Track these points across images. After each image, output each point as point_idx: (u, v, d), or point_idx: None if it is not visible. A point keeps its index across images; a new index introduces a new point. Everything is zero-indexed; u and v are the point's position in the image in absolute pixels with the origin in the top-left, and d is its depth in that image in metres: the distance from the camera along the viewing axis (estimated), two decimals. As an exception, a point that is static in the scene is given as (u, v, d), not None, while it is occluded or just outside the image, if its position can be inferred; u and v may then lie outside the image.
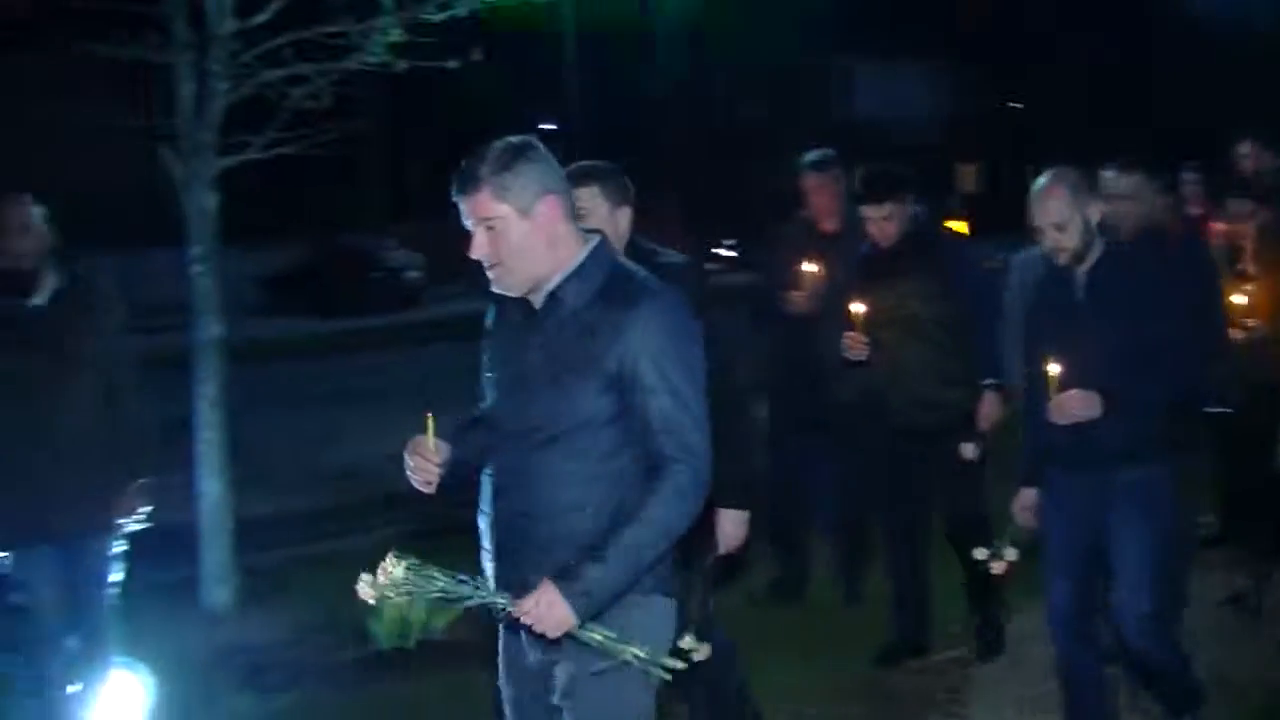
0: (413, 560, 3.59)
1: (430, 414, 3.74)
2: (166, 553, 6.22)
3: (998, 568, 5.35)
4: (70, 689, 5.57)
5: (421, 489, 3.79)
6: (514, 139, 3.68)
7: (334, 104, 7.80)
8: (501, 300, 3.80)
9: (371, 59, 7.51)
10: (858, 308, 6.22)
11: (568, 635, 3.56)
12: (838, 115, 42.02)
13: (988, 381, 6.28)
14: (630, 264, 3.80)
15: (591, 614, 3.57)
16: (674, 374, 3.60)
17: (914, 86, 45.58)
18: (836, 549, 7.62)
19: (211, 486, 7.64)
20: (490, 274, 3.70)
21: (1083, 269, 5.11)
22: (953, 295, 6.30)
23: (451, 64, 7.62)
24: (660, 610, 3.78)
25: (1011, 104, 46.84)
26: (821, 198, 7.30)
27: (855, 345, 6.25)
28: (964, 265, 6.53)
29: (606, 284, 3.68)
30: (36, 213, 5.63)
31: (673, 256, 5.11)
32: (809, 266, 7.09)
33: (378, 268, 29.72)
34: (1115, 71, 43.08)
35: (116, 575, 5.72)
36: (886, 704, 6.23)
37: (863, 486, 7.11)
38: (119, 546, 5.71)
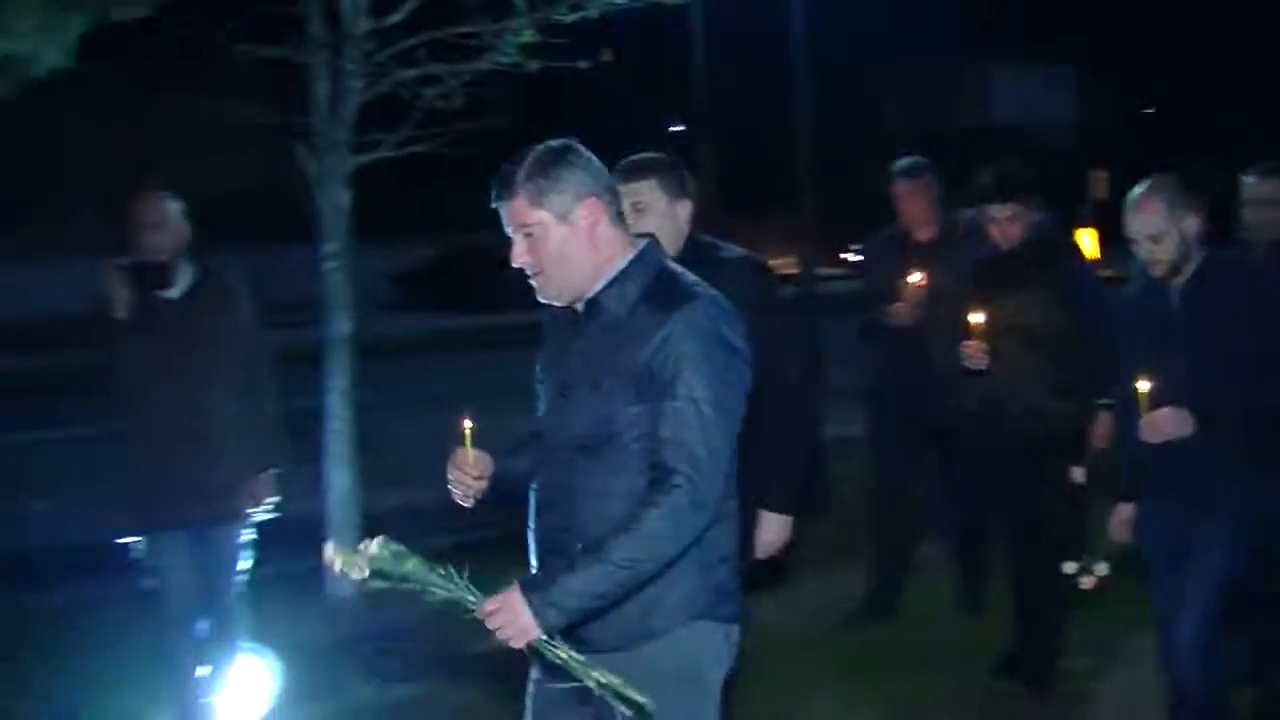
0: (396, 546, 3.50)
1: (467, 423, 3.64)
2: (294, 542, 6.32)
3: (1087, 582, 5.25)
4: (199, 671, 5.70)
5: (460, 503, 3.72)
6: (553, 142, 3.58)
7: (466, 104, 7.87)
8: (552, 308, 3.68)
9: (503, 59, 7.57)
10: (977, 317, 6.11)
11: (533, 650, 3.41)
12: (973, 119, 41.60)
13: (1103, 401, 6.11)
14: (678, 269, 3.64)
15: (562, 627, 3.40)
16: (696, 382, 3.41)
17: (1049, 91, 44.97)
18: (956, 559, 7.54)
19: (340, 478, 7.74)
20: (534, 283, 3.61)
21: (1179, 281, 4.98)
22: (1070, 307, 6.17)
23: (582, 64, 7.67)
24: (706, 637, 3.57)
25: (1144, 109, 46.04)
26: (913, 205, 7.19)
27: (975, 354, 6.13)
28: (1084, 278, 6.41)
29: (650, 288, 3.54)
30: (173, 208, 5.77)
31: (733, 251, 4.95)
32: (912, 278, 6.98)
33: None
34: (1254, 76, 42.16)
35: (245, 563, 5.84)
36: (997, 714, 6.19)
37: (984, 495, 7.03)
38: (248, 535, 5.83)
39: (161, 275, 5.75)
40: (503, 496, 3.71)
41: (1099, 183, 48.71)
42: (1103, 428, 6.17)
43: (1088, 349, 6.05)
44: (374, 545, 3.51)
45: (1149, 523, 5.13)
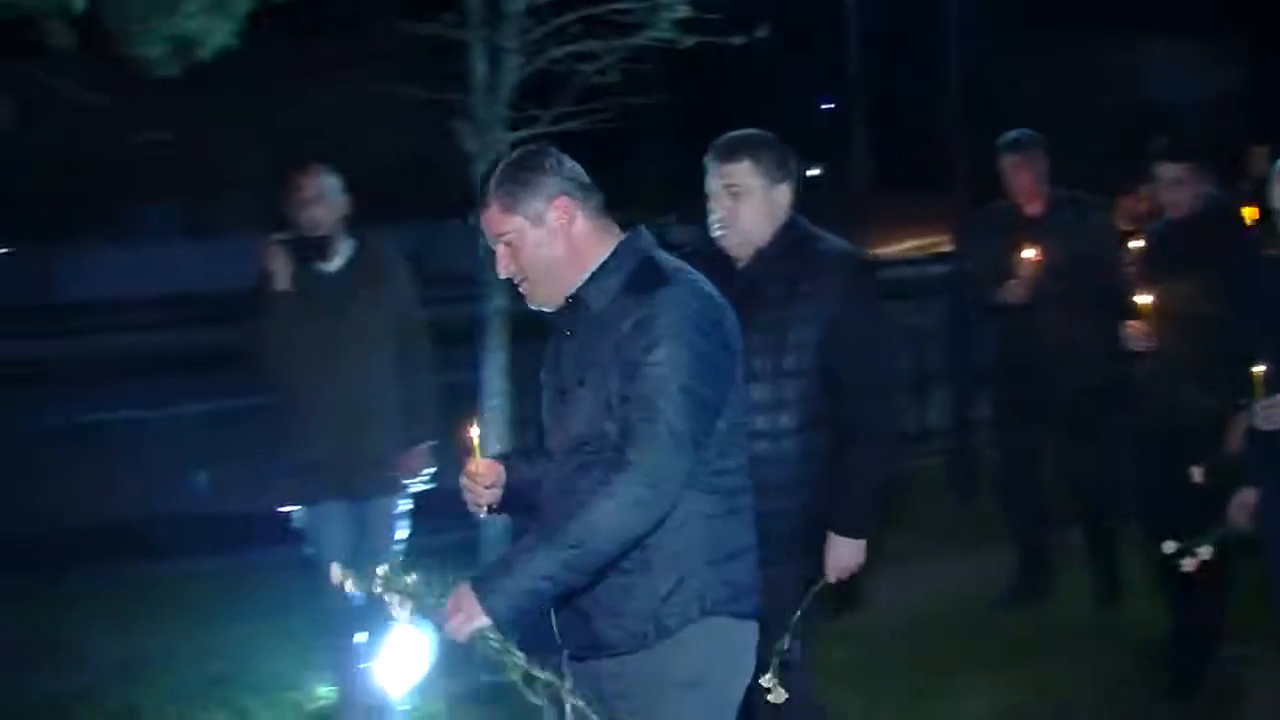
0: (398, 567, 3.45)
1: (474, 430, 3.60)
2: (449, 514, 6.38)
3: (1189, 564, 5.06)
4: (356, 638, 5.79)
5: (473, 511, 3.67)
6: (525, 148, 3.58)
7: (621, 80, 7.88)
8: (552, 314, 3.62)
9: (658, 35, 7.57)
10: (1145, 299, 5.96)
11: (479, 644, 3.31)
12: (1131, 94, 40.81)
13: (1241, 401, 5.89)
14: (664, 256, 3.54)
15: (512, 615, 3.31)
16: (671, 359, 3.30)
17: (1208, 66, 43.97)
18: (1086, 543, 7.36)
19: (495, 452, 7.79)
20: (522, 291, 3.58)
21: None
22: (1235, 293, 5.87)
23: (737, 40, 7.64)
24: (720, 634, 3.46)
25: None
26: (1021, 179, 7.00)
27: (1140, 337, 5.98)
28: (1251, 260, 6.21)
29: (630, 278, 3.47)
30: (332, 183, 5.87)
31: (833, 243, 4.66)
32: (1026, 253, 6.82)
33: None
34: None
35: (402, 533, 5.92)
36: (1145, 702, 6.09)
37: (1106, 481, 6.85)
38: (405, 506, 5.91)
39: (320, 249, 5.85)
40: (516, 504, 3.67)
41: (1259, 158, 47.59)
42: (1238, 428, 5.95)
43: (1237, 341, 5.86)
44: (386, 569, 3.49)
45: (1267, 509, 4.98)
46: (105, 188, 35.74)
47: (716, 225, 4.63)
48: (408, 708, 5.87)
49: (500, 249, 3.54)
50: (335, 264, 5.86)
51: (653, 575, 3.41)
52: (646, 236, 3.61)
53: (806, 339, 4.51)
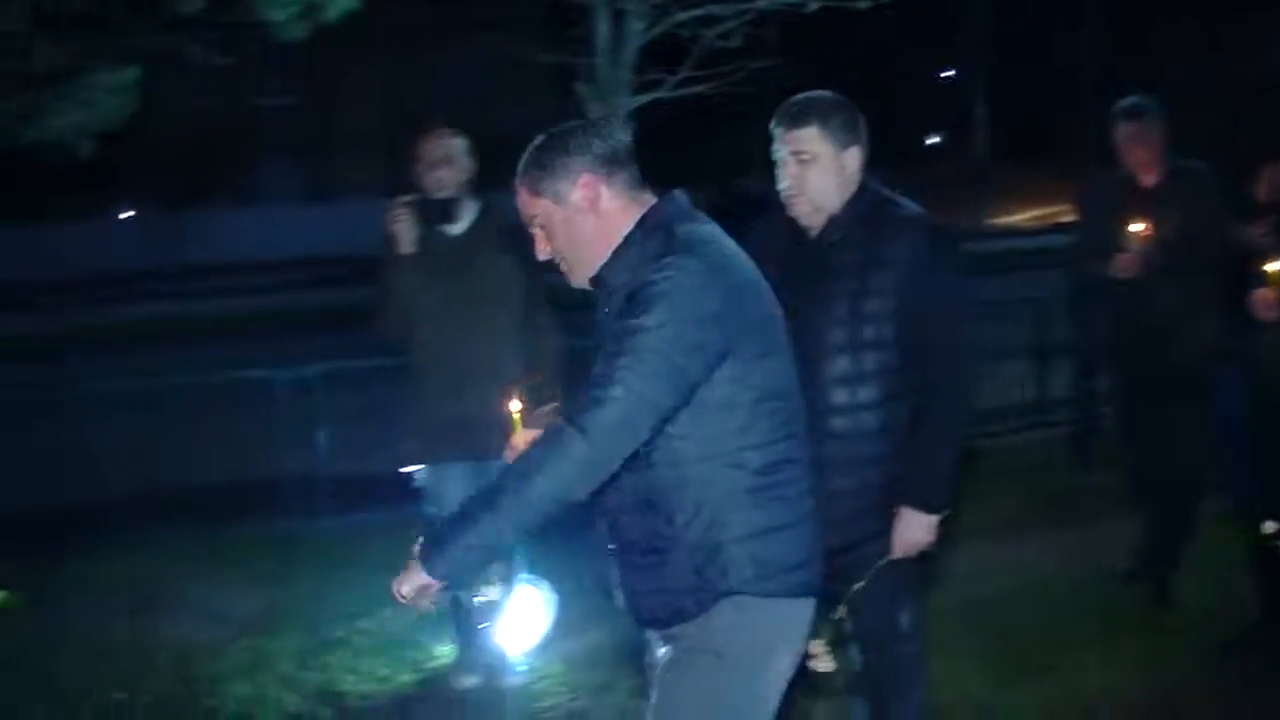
0: None
1: (514, 405, 3.67)
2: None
3: None
4: (478, 599, 5.84)
5: None
6: (555, 129, 3.52)
7: (743, 44, 7.87)
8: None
9: (783, -1, 7.55)
10: (1275, 266, 5.80)
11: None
12: (1265, 64, 39.96)
13: None
14: (687, 227, 3.44)
15: (452, 573, 3.34)
16: (650, 326, 3.25)
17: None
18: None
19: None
20: (563, 271, 3.57)
21: None
22: None
23: (862, 4, 7.59)
24: (749, 610, 3.41)
25: None
26: (1138, 148, 6.69)
27: (1267, 305, 5.81)
28: None
29: (642, 251, 3.42)
30: (459, 145, 5.90)
31: (910, 209, 4.47)
32: (1135, 226, 6.58)
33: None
34: None
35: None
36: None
37: (1202, 460, 6.69)
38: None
39: (446, 211, 5.89)
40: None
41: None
42: None
43: None
44: None
45: None
46: (231, 152, 36.30)
47: (785, 193, 4.50)
48: (526, 667, 5.90)
49: (536, 233, 3.56)
50: (460, 226, 5.90)
51: (683, 551, 3.40)
52: (674, 205, 3.53)
53: (885, 309, 4.36)
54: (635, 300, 3.31)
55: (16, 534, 7.78)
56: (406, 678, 6.26)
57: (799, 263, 4.40)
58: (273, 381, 9.39)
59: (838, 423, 4.33)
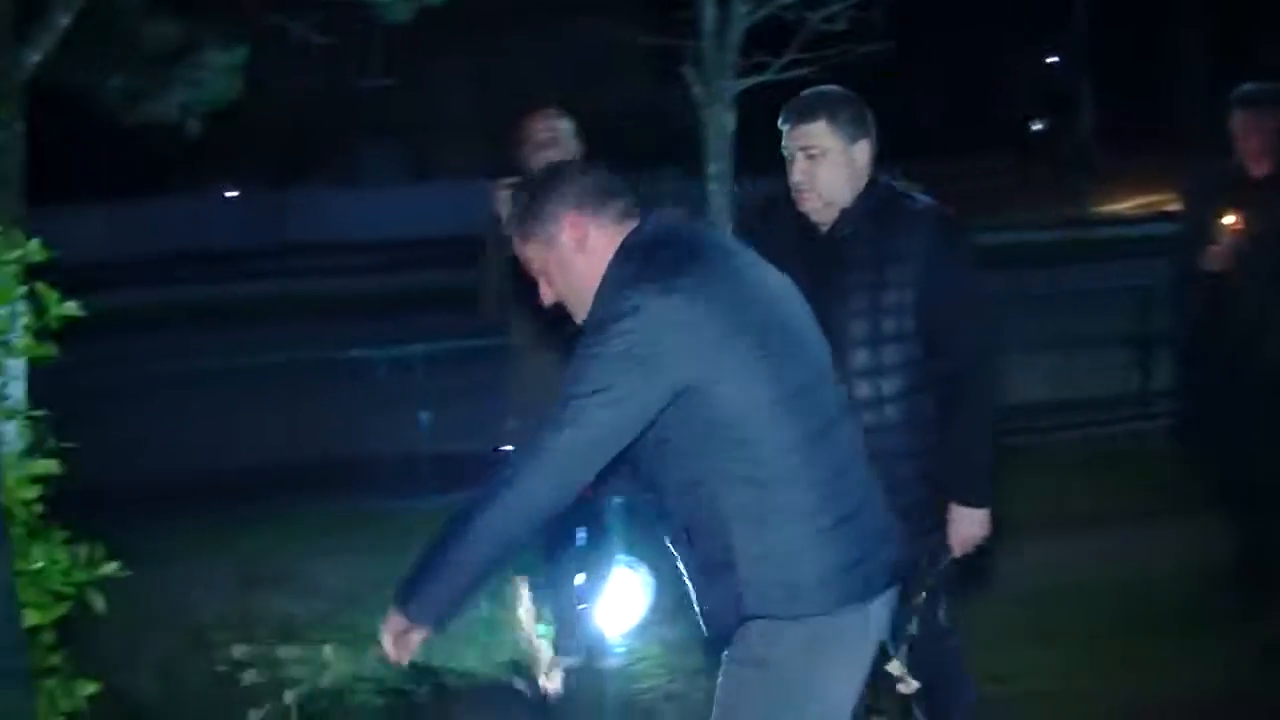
0: None
1: None
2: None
3: None
4: (576, 579, 5.86)
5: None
6: (536, 173, 3.53)
7: (848, 28, 7.83)
8: None
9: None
10: None
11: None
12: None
13: None
14: (659, 253, 3.32)
15: (442, 616, 3.42)
16: (574, 369, 3.24)
17: None
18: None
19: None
20: (572, 313, 3.52)
21: None
22: None
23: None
24: (780, 632, 3.30)
25: None
26: (1250, 137, 6.45)
27: None
28: None
29: (617, 283, 3.33)
30: (565, 126, 5.90)
31: (924, 202, 4.47)
32: (1226, 219, 6.37)
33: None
34: None
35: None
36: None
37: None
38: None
39: (550, 193, 5.89)
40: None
41: None
42: None
43: None
44: None
45: None
46: (332, 133, 36.63)
47: (795, 189, 4.46)
48: (623, 650, 5.92)
49: (540, 280, 3.53)
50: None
51: (715, 574, 3.34)
52: (649, 228, 3.43)
53: (904, 301, 4.36)
54: (587, 332, 3.31)
55: (126, 506, 7.90)
56: (503, 657, 6.29)
57: (812, 257, 4.38)
58: (374, 361, 9.47)
59: (860, 417, 4.30)
